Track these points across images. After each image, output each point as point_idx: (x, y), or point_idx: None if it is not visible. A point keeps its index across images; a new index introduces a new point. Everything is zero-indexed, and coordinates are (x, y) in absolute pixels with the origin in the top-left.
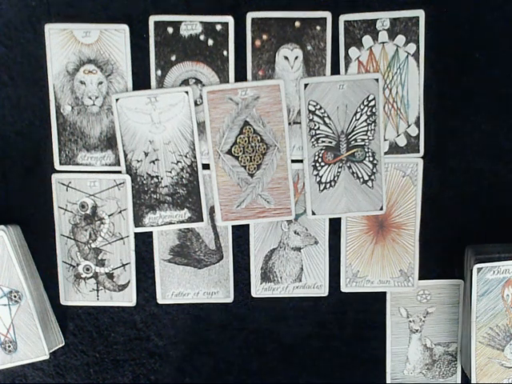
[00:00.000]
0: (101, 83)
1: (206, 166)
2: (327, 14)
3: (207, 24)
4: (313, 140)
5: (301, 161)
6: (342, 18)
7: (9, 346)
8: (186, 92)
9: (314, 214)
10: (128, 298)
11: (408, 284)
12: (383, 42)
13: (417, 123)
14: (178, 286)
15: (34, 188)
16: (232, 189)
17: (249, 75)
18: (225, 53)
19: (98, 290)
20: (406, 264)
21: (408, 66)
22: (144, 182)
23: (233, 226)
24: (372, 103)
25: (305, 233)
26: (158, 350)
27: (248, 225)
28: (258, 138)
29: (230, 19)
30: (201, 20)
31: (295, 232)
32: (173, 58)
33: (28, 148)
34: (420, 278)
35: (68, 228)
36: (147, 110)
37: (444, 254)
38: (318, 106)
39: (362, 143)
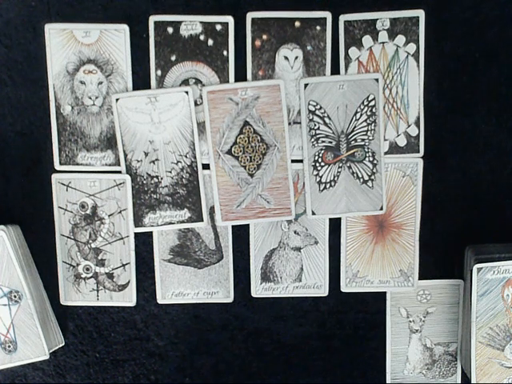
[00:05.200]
0: (101, 83)
1: (206, 166)
2: (327, 14)
3: (207, 24)
4: (313, 140)
5: (301, 161)
6: (342, 18)
7: (9, 346)
8: (186, 92)
9: (314, 213)
10: (128, 298)
11: (408, 284)
12: (383, 42)
13: (417, 123)
14: (178, 286)
15: (34, 188)
16: (232, 189)
17: (249, 75)
18: (225, 53)
19: (98, 290)
20: (406, 264)
21: (408, 66)
22: (144, 181)
23: (233, 226)
24: (372, 103)
25: (305, 233)
26: (158, 350)
27: (248, 225)
28: (258, 137)
29: (230, 19)
30: (201, 20)
31: (295, 232)
32: (173, 58)
33: (28, 148)
34: (420, 278)
35: (68, 228)
36: (147, 109)
37: (444, 254)
38: (318, 106)
39: (362, 143)
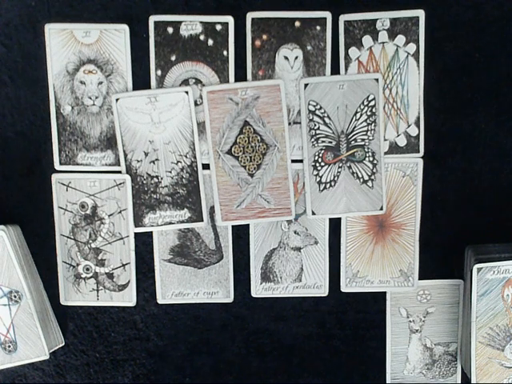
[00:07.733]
0: (101, 83)
1: (206, 166)
2: (327, 14)
3: (207, 24)
4: (313, 140)
5: (301, 161)
6: (342, 17)
7: (9, 346)
8: (186, 92)
9: (314, 213)
10: (128, 298)
11: (408, 284)
12: (383, 42)
13: (417, 123)
14: (178, 286)
15: (34, 188)
16: (232, 189)
17: (249, 75)
18: (225, 53)
19: (98, 290)
20: (406, 264)
21: (408, 66)
22: (144, 182)
23: (233, 226)
24: (372, 103)
25: (305, 233)
26: (157, 350)
27: (248, 225)
28: (258, 137)
29: (230, 19)
30: (201, 20)
31: (295, 232)
32: (173, 58)
33: (28, 148)
34: (420, 278)
35: (68, 228)
36: (147, 109)
37: (444, 254)
38: (318, 106)
39: (362, 143)
